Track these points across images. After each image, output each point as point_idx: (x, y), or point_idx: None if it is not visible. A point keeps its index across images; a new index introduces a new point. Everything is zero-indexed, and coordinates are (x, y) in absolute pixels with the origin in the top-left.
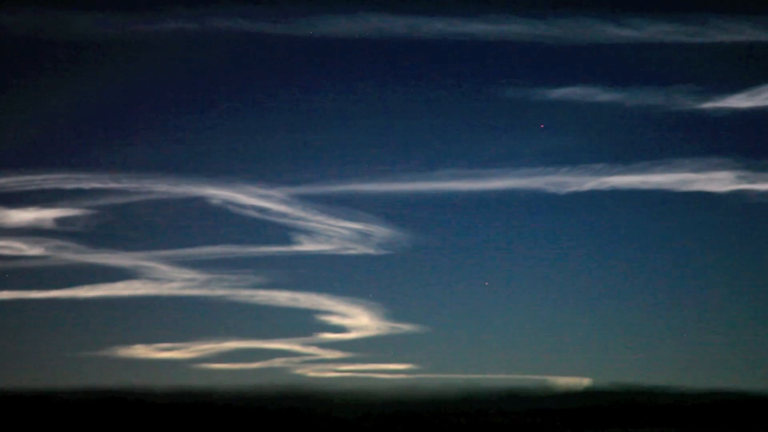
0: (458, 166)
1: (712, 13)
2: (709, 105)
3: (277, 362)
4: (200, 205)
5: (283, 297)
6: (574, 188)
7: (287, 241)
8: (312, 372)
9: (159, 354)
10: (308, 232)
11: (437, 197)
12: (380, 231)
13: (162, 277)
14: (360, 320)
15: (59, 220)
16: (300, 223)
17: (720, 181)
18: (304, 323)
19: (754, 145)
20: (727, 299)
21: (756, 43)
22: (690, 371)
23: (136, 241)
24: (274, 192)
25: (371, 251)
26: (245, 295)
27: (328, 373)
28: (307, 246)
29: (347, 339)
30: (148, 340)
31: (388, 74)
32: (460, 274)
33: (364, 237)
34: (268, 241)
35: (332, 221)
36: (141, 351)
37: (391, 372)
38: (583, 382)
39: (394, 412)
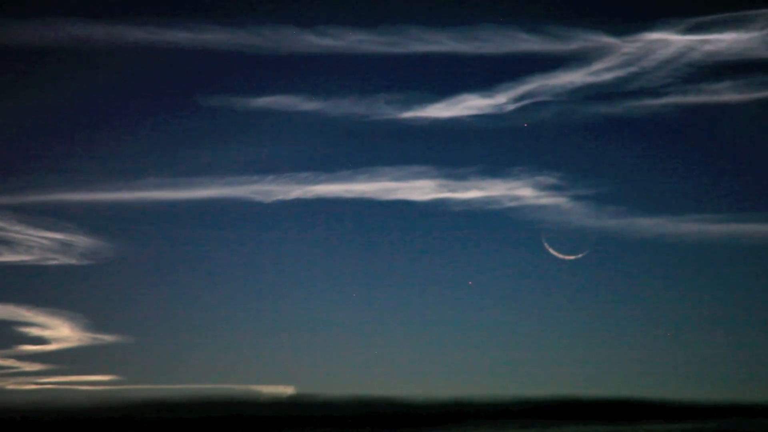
0: (161, 175)
1: (410, 24)
2: (409, 114)
3: None
4: None
5: None
6: (280, 197)
7: None
8: (11, 385)
9: None
10: (7, 243)
11: (141, 207)
12: (83, 241)
13: None
14: (61, 331)
15: None
16: None
17: (421, 189)
18: (1, 335)
19: (454, 154)
20: (422, 307)
21: (454, 53)
22: (396, 379)
23: None
24: None
25: (73, 261)
26: None
27: (28, 386)
28: (6, 257)
29: (47, 351)
30: None
31: (86, 83)
32: (164, 283)
33: (66, 247)
34: None
35: (32, 231)
36: None
37: (92, 383)
38: (287, 390)
39: (93, 422)
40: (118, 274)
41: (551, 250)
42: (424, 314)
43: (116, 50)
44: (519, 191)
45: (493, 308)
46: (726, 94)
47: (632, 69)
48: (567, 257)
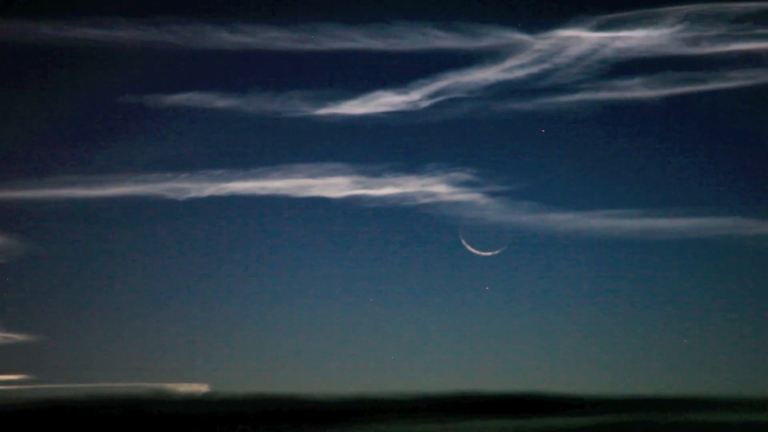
0: (72, 173)
1: (324, 21)
2: (323, 111)
3: None
4: None
5: None
6: (193, 194)
7: None
8: None
9: None
10: None
11: (51, 205)
12: None
13: None
14: None
15: None
16: None
17: (336, 186)
18: None
19: (368, 151)
20: (333, 303)
21: (367, 50)
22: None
23: None
24: None
25: None
26: None
27: None
28: None
29: None
30: None
31: None
32: (76, 282)
33: None
34: None
35: None
36: None
37: (3, 383)
38: (201, 388)
39: (4, 422)
40: (30, 272)
41: (468, 247)
42: (334, 311)
43: (26, 48)
44: (433, 188)
45: (407, 304)
46: (637, 90)
47: (545, 66)
48: (484, 253)
